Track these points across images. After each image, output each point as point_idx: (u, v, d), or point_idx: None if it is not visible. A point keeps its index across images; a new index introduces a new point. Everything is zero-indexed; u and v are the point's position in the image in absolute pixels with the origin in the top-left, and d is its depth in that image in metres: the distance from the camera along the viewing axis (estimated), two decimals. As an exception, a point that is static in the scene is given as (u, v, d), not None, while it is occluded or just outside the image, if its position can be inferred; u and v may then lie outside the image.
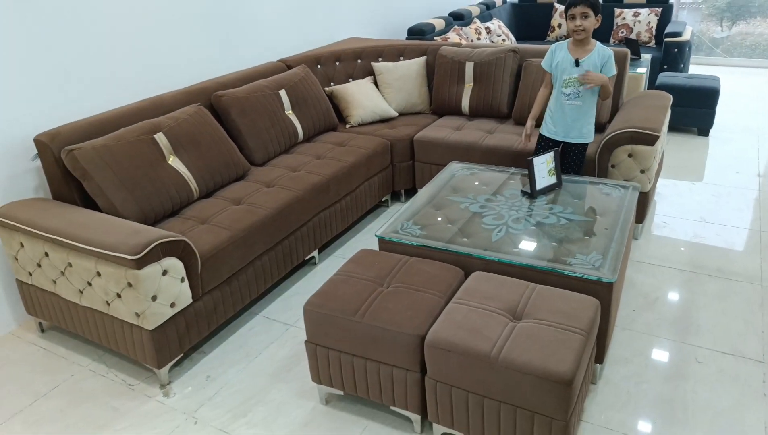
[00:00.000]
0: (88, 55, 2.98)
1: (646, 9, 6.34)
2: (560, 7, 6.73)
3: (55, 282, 2.54)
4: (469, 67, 4.07)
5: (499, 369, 1.86)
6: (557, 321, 1.99)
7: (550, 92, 3.19)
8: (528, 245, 2.45)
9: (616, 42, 6.37)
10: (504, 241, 2.49)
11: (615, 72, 3.02)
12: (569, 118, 3.08)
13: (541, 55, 3.78)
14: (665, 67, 5.87)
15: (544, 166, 2.88)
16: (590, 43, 3.01)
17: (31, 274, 2.63)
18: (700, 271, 3.11)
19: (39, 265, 2.55)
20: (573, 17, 2.93)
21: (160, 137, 2.89)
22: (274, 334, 2.80)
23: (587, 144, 3.16)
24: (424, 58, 4.31)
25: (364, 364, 2.15)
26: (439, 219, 2.71)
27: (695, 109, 4.93)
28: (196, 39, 3.58)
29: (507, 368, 1.85)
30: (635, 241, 3.43)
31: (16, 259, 2.64)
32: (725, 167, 4.39)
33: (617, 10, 6.46)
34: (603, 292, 2.20)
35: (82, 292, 2.46)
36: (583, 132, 3.12)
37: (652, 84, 5.48)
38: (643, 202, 3.34)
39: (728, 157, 4.56)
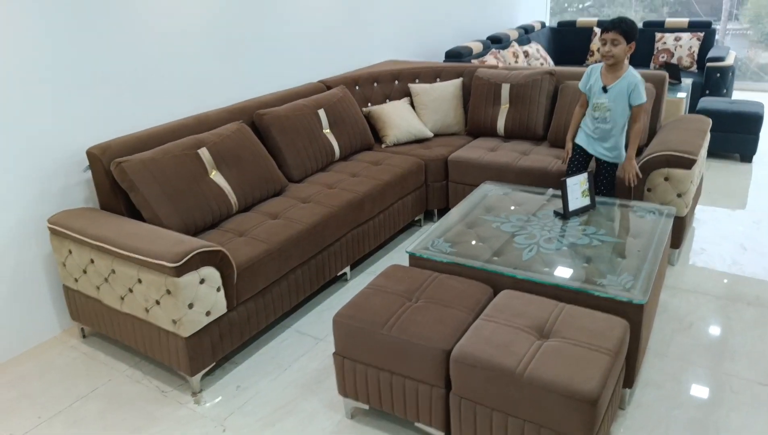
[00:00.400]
0: (139, 73, 3.15)
1: (688, 33, 6.28)
2: (599, 31, 6.71)
3: (98, 288, 2.66)
4: (505, 88, 4.11)
5: (524, 386, 1.86)
6: (584, 340, 1.99)
7: (583, 113, 3.27)
8: (559, 265, 2.45)
9: (657, 66, 6.32)
10: (535, 260, 2.50)
11: (644, 100, 3.05)
12: (595, 135, 3.22)
13: (577, 77, 3.83)
14: (707, 92, 5.78)
15: (577, 187, 2.88)
16: (621, 69, 3.06)
17: (77, 281, 2.76)
18: (738, 299, 3.04)
19: (85, 272, 2.68)
20: (604, 42, 3.01)
21: (204, 152, 3.01)
22: (305, 347, 2.85)
23: (617, 164, 3.20)
24: (460, 80, 4.37)
25: (390, 377, 2.17)
26: (471, 237, 2.74)
27: (737, 135, 4.84)
28: (240, 60, 3.73)
29: (532, 385, 1.85)
30: (671, 266, 3.38)
31: (64, 266, 2.78)
32: (767, 194, 4.29)
33: (658, 35, 6.42)
34: (633, 314, 2.18)
35: (123, 299, 2.57)
36: (606, 149, 3.21)
37: (693, 109, 5.40)
38: (680, 227, 3.29)
39: (771, 184, 4.45)
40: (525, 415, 1.90)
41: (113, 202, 2.87)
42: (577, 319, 2.10)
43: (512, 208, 3.02)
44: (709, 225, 3.85)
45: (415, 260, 2.63)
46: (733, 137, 4.87)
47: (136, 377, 2.70)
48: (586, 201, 2.91)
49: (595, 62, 6.59)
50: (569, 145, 3.37)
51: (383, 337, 2.13)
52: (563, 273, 2.39)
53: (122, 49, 3.05)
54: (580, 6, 9.66)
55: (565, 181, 2.82)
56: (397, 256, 3.67)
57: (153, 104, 3.25)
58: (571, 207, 2.85)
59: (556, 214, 2.89)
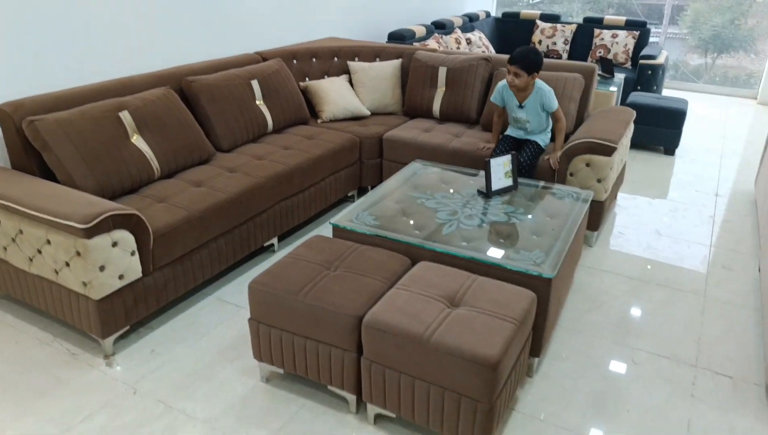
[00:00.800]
0: (60, 31, 3.01)
1: (624, 31, 6.49)
2: (542, 24, 6.87)
3: (5, 249, 2.56)
4: (442, 72, 4.16)
5: (430, 351, 1.91)
6: (492, 309, 2.05)
7: (504, 118, 3.64)
8: (476, 240, 2.51)
9: (594, 60, 6.52)
10: (454, 235, 2.55)
11: (556, 106, 3.44)
12: (522, 138, 3.59)
13: (512, 63, 3.90)
14: (638, 87, 6.01)
15: (500, 168, 2.95)
16: (528, 89, 3.41)
17: (-17, 241, 2.64)
18: (649, 280, 3.20)
19: (-9, 232, 2.57)
20: (508, 72, 3.34)
21: (125, 115, 2.92)
22: (225, 314, 2.82)
23: (540, 145, 3.50)
24: (399, 60, 4.39)
25: (304, 343, 2.18)
26: (395, 212, 2.77)
27: (662, 129, 5.06)
28: (173, 24, 3.62)
29: (437, 350, 1.90)
30: (590, 248, 3.52)
31: (-30, 225, 2.65)
32: (686, 185, 4.50)
33: (596, 31, 6.61)
34: (541, 287, 2.26)
35: (31, 260, 2.48)
36: (537, 137, 3.53)
37: (623, 103, 5.60)
38: (599, 211, 3.42)
39: (690, 176, 4.68)
40: (431, 378, 1.95)
41: (25, 162, 2.75)
42: (488, 291, 2.17)
43: (439, 185, 3.07)
44: (630, 211, 4.03)
45: (339, 232, 2.64)
46: (657, 131, 5.08)
47: (45, 340, 2.62)
48: (509, 182, 2.99)
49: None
50: (495, 139, 3.68)
51: (298, 303, 2.14)
52: (479, 247, 2.45)
53: (44, 2, 2.91)
54: (531, 1, 9.84)
55: (489, 162, 2.89)
56: (327, 230, 3.68)
57: (76, 65, 3.12)
58: (494, 187, 2.92)
59: (480, 192, 2.96)
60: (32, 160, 2.75)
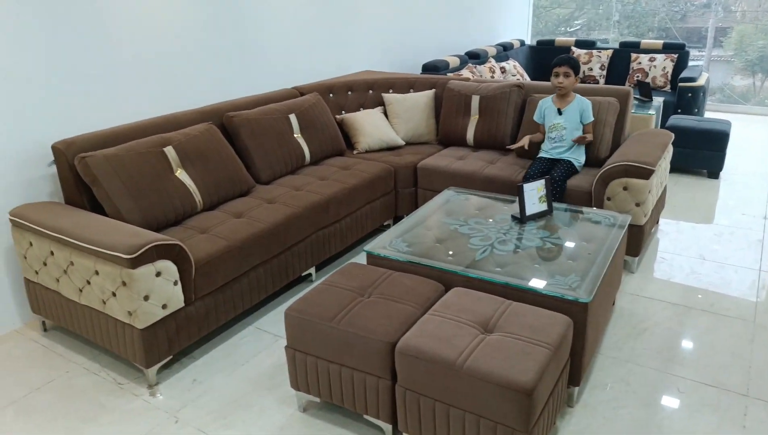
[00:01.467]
0: (110, 72, 3.20)
1: (662, 54, 6.43)
2: (577, 50, 6.87)
3: (58, 280, 2.68)
4: (475, 100, 4.20)
5: (464, 377, 1.90)
6: (526, 335, 2.03)
7: (539, 140, 3.79)
8: (510, 265, 2.50)
9: (631, 85, 6.46)
10: (487, 260, 2.55)
11: (592, 119, 3.63)
12: (553, 157, 3.67)
13: (546, 90, 3.95)
14: (679, 111, 5.91)
15: (534, 193, 2.95)
16: (570, 96, 3.64)
17: (37, 273, 2.77)
18: (693, 306, 3.10)
19: (45, 264, 2.70)
20: (557, 75, 3.57)
21: (170, 151, 3.05)
22: (264, 344, 2.87)
23: (574, 166, 3.61)
24: (433, 91, 4.46)
25: (339, 370, 2.20)
26: (428, 238, 2.79)
27: (704, 152, 4.95)
28: (215, 62, 3.79)
29: (471, 376, 1.89)
30: (631, 274, 3.44)
31: (25, 258, 2.80)
32: (731, 208, 4.38)
33: (633, 55, 6.57)
34: (578, 312, 2.23)
35: (81, 291, 2.59)
36: (571, 156, 3.63)
37: (663, 126, 5.52)
38: (639, 236, 3.36)
39: (735, 199, 4.55)
40: (465, 405, 1.94)
41: (77, 196, 2.90)
42: (522, 316, 2.15)
43: (472, 211, 3.08)
44: (672, 236, 3.93)
45: (372, 259, 2.68)
46: (700, 154, 4.98)
47: (93, 369, 2.71)
48: (543, 206, 2.98)
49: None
50: (525, 141, 3.77)
51: (332, 329, 2.17)
52: (513, 272, 2.44)
53: (95, 46, 3.10)
54: (569, 29, 9.87)
55: (522, 186, 2.89)
56: (363, 258, 3.69)
57: (123, 103, 3.29)
58: (528, 211, 2.92)
59: (514, 218, 2.95)
60: (83, 195, 2.89)
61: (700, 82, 5.90)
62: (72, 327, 2.78)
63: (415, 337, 2.05)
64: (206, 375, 2.66)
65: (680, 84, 5.90)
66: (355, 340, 2.12)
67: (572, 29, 9.87)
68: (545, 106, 3.69)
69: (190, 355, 2.80)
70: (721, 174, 5.09)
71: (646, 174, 3.24)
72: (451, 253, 2.63)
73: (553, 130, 3.63)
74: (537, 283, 2.33)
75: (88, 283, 2.54)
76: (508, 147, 3.97)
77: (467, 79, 4.51)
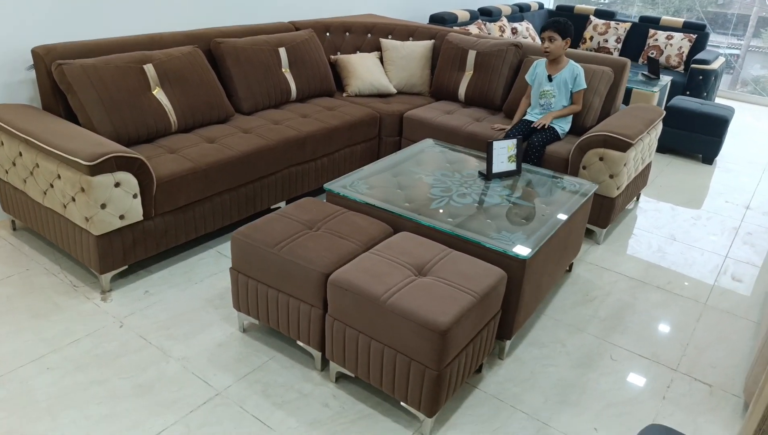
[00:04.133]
0: (98, -16, 3.19)
1: (680, 33, 6.26)
2: (595, 20, 6.70)
3: (25, 181, 2.75)
4: (472, 55, 4.14)
5: (386, 312, 1.96)
6: (456, 281, 2.08)
7: (529, 104, 3.69)
8: (461, 217, 2.53)
9: (643, 61, 6.32)
10: (442, 210, 2.57)
11: (584, 86, 3.56)
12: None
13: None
14: (687, 92, 5.79)
15: (504, 152, 2.95)
16: (563, 62, 3.55)
17: (7, 172, 2.85)
18: (649, 282, 3.13)
19: (14, 164, 2.77)
20: (543, 40, 3.49)
21: (149, 68, 3.07)
22: (221, 266, 2.95)
23: (557, 133, 3.55)
24: (432, 42, 4.40)
25: (277, 295, 2.27)
26: (391, 183, 2.81)
27: (701, 136, 4.88)
28: (210, -12, 3.76)
29: (392, 312, 1.94)
30: (597, 245, 3.46)
31: (-3, 157, 2.87)
32: (717, 195, 4.34)
33: (651, 31, 6.40)
34: (515, 268, 2.27)
35: (45, 193, 2.66)
36: (556, 123, 3.55)
37: (665, 106, 5.42)
38: (609, 208, 3.36)
39: (723, 186, 4.51)
40: (385, 340, 2.00)
41: (53, 103, 2.94)
42: (458, 264, 2.19)
43: (443, 163, 3.09)
44: (650, 214, 3.93)
45: (331, 196, 2.71)
46: (697, 137, 4.90)
47: (53, 271, 2.81)
48: (512, 166, 2.98)
49: (587, 50, 6.60)
50: (507, 126, 3.69)
51: (273, 256, 2.22)
52: (462, 223, 2.47)
53: (83, -44, 3.09)
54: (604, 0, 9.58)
55: (491, 144, 2.88)
56: (337, 201, 3.75)
57: (111, 17, 3.29)
58: (495, 169, 2.92)
59: (480, 174, 2.96)
60: (59, 103, 2.93)
61: (714, 66, 5.76)
62: (36, 228, 2.87)
63: (348, 271, 2.10)
64: (159, 288, 2.74)
65: (692, 65, 5.76)
66: (293, 268, 2.18)
67: (605, 0, 9.58)
68: (538, 68, 3.63)
69: (147, 268, 2.89)
70: (717, 160, 5.02)
71: (623, 146, 3.21)
72: (408, 199, 2.66)
73: (543, 96, 3.59)
74: (480, 236, 2.36)
75: (51, 186, 2.61)
76: (492, 127, 3.73)
77: (468, 33, 4.44)
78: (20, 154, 2.70)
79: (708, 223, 3.88)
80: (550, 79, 3.55)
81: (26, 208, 2.86)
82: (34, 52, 2.89)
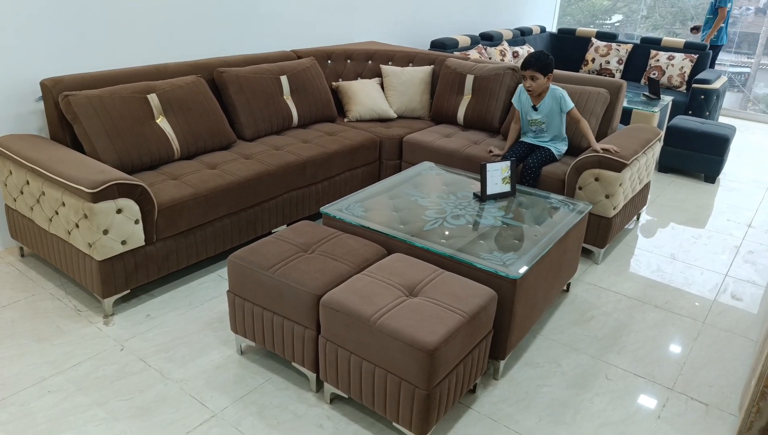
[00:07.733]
0: (107, 17, 3.32)
1: (682, 54, 6.31)
2: (597, 42, 6.78)
3: (32, 209, 2.84)
4: (469, 79, 4.22)
5: (376, 332, 1.99)
6: (445, 302, 2.11)
7: (520, 127, 3.71)
8: (454, 238, 2.57)
9: (644, 82, 6.36)
10: (435, 232, 2.62)
11: (572, 106, 3.51)
12: (536, 145, 3.62)
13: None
14: (689, 112, 5.82)
15: (497, 173, 3.00)
16: (544, 92, 3.51)
17: (15, 200, 2.94)
18: (648, 301, 3.13)
19: (21, 192, 2.86)
20: (524, 78, 3.45)
21: (153, 98, 3.17)
22: (221, 290, 3.01)
23: (553, 154, 3.58)
24: (431, 67, 4.49)
25: (272, 317, 2.32)
26: (386, 206, 2.86)
27: (703, 155, 4.89)
28: (213, 16, 3.88)
29: (381, 332, 1.98)
30: (595, 265, 3.47)
31: (6, 185, 2.97)
32: (719, 213, 4.34)
33: (653, 52, 6.46)
34: (506, 288, 2.30)
35: (51, 220, 2.75)
36: (552, 145, 3.60)
37: (666, 126, 5.45)
38: (606, 228, 3.38)
39: (725, 205, 4.50)
40: (376, 360, 2.04)
41: (60, 133, 3.05)
42: (449, 285, 2.23)
43: (439, 185, 3.14)
44: (650, 233, 3.93)
45: (327, 219, 2.77)
46: (698, 156, 4.92)
47: (58, 295, 2.88)
48: (506, 188, 3.02)
49: (589, 72, 6.67)
50: (500, 153, 3.71)
51: (268, 278, 2.28)
52: (454, 244, 2.51)
53: (91, -8, 3.22)
54: (610, 19, 9.70)
55: (485, 165, 2.93)
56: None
57: (116, 49, 3.42)
58: (489, 191, 2.97)
59: (475, 196, 3.01)
60: (66, 132, 3.04)
61: (715, 85, 5.79)
62: (43, 254, 2.95)
63: (340, 292, 2.14)
64: (161, 312, 2.80)
65: (694, 85, 5.79)
66: (287, 290, 2.23)
67: (610, 21, 9.69)
68: (523, 96, 3.59)
69: (150, 292, 2.95)
70: (719, 179, 5.03)
71: (618, 167, 3.25)
72: (402, 221, 2.71)
73: (533, 124, 3.61)
74: (471, 257, 2.40)
75: (57, 213, 2.69)
76: (487, 152, 3.75)
77: (466, 58, 4.52)
78: (27, 183, 2.80)
79: (709, 241, 3.88)
80: (535, 108, 3.55)
81: (33, 234, 2.94)
82: (43, 84, 3.00)
